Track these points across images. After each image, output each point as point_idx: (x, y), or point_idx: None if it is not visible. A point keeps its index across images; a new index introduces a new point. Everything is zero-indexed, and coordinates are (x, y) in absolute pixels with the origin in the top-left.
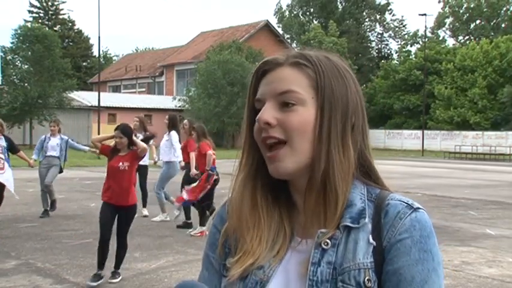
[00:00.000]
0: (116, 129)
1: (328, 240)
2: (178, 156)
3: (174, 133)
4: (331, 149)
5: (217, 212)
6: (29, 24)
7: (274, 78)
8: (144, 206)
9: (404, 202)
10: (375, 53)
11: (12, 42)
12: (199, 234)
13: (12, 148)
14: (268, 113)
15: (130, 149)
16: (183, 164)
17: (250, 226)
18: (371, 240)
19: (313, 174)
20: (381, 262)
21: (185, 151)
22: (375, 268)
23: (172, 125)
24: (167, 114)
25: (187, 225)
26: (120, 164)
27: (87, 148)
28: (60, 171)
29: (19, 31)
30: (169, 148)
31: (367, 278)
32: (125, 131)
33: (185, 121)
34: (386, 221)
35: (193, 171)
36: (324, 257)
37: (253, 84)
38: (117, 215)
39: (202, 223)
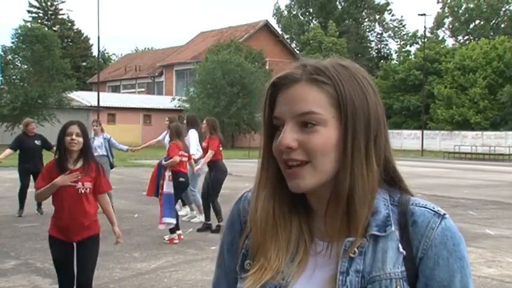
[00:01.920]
0: (68, 124)
1: (355, 249)
2: (195, 154)
3: (192, 131)
4: (355, 167)
5: (230, 213)
6: (29, 25)
7: (292, 97)
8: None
9: (430, 209)
10: (374, 53)
11: (12, 42)
12: (176, 241)
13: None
14: (289, 136)
15: (84, 160)
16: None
17: (268, 241)
18: (401, 249)
19: (337, 191)
20: (414, 271)
21: (206, 151)
22: (406, 277)
23: (191, 124)
24: (166, 114)
25: (207, 226)
26: (80, 185)
27: (125, 147)
28: (112, 167)
29: (19, 31)
30: (191, 145)
31: (398, 287)
32: (83, 128)
33: (204, 120)
34: (415, 229)
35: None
36: (352, 265)
37: (269, 98)
38: (76, 251)
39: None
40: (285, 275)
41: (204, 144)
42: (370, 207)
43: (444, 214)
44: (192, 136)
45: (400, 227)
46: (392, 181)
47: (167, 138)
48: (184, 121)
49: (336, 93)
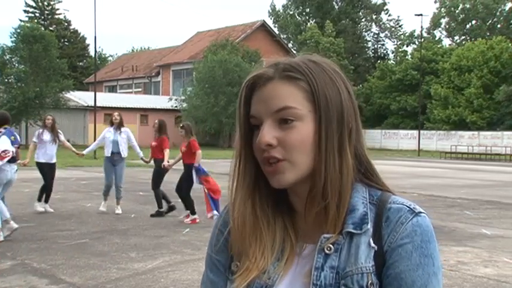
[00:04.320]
0: None
1: (330, 245)
2: (139, 153)
3: (129, 130)
4: (329, 160)
5: (220, 214)
6: (28, 25)
7: (267, 94)
8: (46, 201)
9: (406, 206)
10: (371, 53)
11: (12, 41)
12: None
13: None
14: (268, 133)
15: None
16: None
17: (252, 242)
18: (372, 244)
19: (313, 185)
20: (382, 265)
21: (158, 148)
22: (375, 271)
23: (123, 123)
24: (164, 114)
25: (159, 213)
26: None
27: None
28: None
29: (18, 31)
30: (126, 144)
31: (370, 281)
32: None
33: (156, 120)
34: (387, 224)
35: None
36: (327, 261)
37: (244, 97)
38: None
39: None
40: (271, 274)
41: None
42: (346, 203)
43: (420, 212)
44: (131, 134)
45: (374, 224)
46: (369, 175)
47: (49, 137)
48: (116, 120)
49: (310, 88)
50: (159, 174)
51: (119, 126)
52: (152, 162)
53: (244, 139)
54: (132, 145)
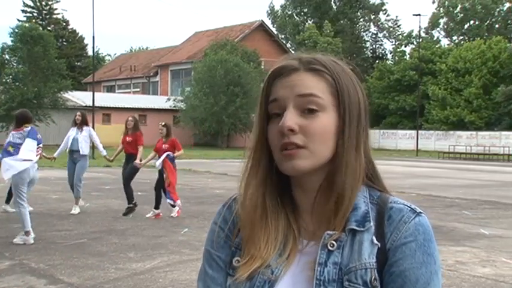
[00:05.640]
0: None
1: (334, 242)
2: (102, 151)
3: (91, 129)
4: (349, 154)
5: (219, 212)
6: (26, 24)
7: (292, 81)
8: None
9: (407, 206)
10: (369, 53)
11: (12, 41)
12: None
13: None
14: (291, 119)
15: None
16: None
17: (258, 228)
18: (375, 241)
19: (331, 179)
20: (383, 262)
21: (133, 143)
22: (377, 268)
23: (86, 122)
24: (162, 114)
25: (130, 210)
26: None
27: None
28: None
29: (17, 30)
30: (87, 142)
31: (373, 277)
32: None
33: (130, 118)
34: (389, 223)
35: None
36: (330, 258)
37: (266, 88)
38: None
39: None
40: (273, 269)
41: (167, 145)
42: (352, 201)
43: (420, 212)
44: (94, 133)
45: (376, 221)
46: (372, 176)
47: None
48: (78, 117)
49: (334, 82)
50: (135, 171)
51: (81, 125)
52: (124, 158)
53: (263, 128)
54: (95, 144)
